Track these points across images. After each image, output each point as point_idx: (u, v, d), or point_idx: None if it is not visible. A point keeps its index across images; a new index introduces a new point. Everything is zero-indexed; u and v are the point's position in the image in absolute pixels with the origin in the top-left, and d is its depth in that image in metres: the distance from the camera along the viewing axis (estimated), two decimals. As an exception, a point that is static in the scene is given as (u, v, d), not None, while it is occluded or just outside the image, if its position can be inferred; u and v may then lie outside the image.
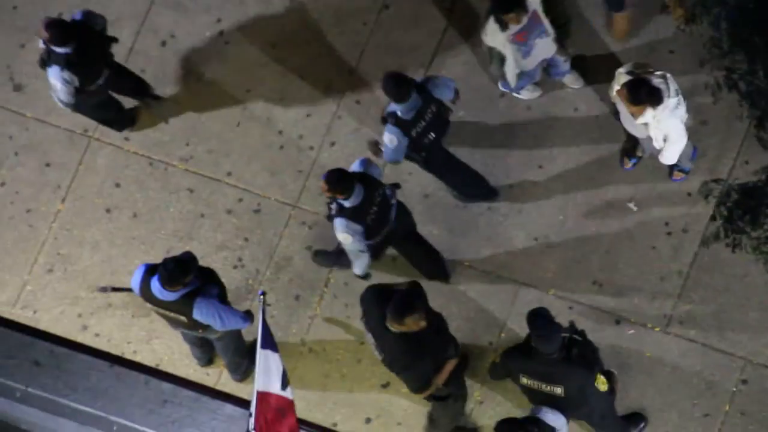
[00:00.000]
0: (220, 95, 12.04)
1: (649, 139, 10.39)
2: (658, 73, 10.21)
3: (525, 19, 10.69)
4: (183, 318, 9.90)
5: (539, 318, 9.64)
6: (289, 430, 9.87)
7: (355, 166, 10.29)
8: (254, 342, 9.78)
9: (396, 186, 10.66)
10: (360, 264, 10.63)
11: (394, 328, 9.53)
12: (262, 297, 9.69)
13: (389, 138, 10.45)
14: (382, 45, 11.89)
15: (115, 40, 10.86)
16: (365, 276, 10.79)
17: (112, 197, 11.59)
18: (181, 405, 11.01)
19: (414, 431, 11.24)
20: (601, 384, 9.80)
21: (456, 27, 12.07)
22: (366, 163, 10.45)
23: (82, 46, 10.49)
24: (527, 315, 9.67)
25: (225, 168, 11.60)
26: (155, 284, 9.65)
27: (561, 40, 11.18)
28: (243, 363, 10.65)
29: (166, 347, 11.33)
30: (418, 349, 9.76)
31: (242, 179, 11.59)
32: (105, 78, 10.78)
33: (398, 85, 10.32)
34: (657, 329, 11.18)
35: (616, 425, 10.70)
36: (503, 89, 11.65)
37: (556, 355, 9.57)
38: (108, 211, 11.53)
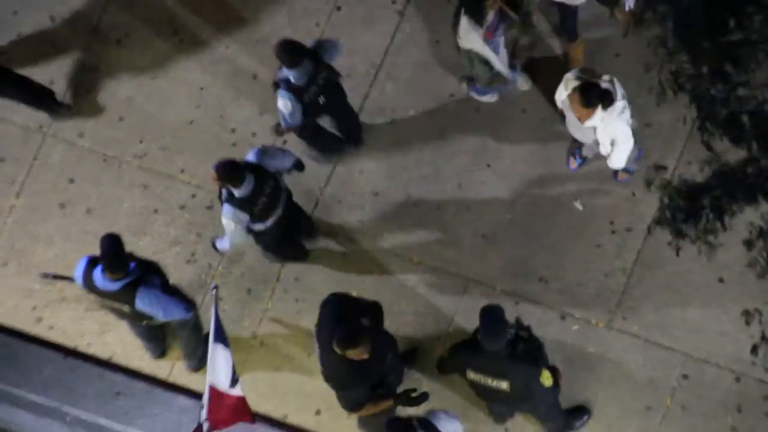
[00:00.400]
0: (173, 93, 12.22)
1: (596, 143, 10.58)
2: (605, 77, 10.35)
3: (493, 13, 10.87)
4: (126, 308, 10.00)
5: (488, 316, 9.76)
6: (242, 421, 10.01)
7: (249, 156, 10.55)
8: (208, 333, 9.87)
9: (299, 167, 10.96)
10: (229, 243, 10.87)
11: (337, 351, 9.72)
12: (214, 291, 9.69)
13: (283, 103, 10.77)
14: (335, 45, 11.98)
15: None
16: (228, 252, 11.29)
17: (67, 192, 11.74)
18: (134, 397, 11.18)
19: (362, 423, 11.41)
20: (546, 379, 9.91)
21: (406, 29, 12.26)
22: (260, 153, 10.71)
23: None
24: (480, 311, 9.83)
25: (178, 165, 11.81)
26: (98, 274, 9.81)
27: (515, 42, 11.36)
28: (198, 350, 10.74)
29: (119, 340, 11.43)
30: (358, 374, 9.88)
31: (195, 176, 11.75)
32: None
33: (291, 51, 10.65)
34: (601, 325, 11.35)
35: (560, 418, 10.89)
36: (474, 95, 11.88)
37: (502, 351, 9.71)
38: (62, 206, 11.72)
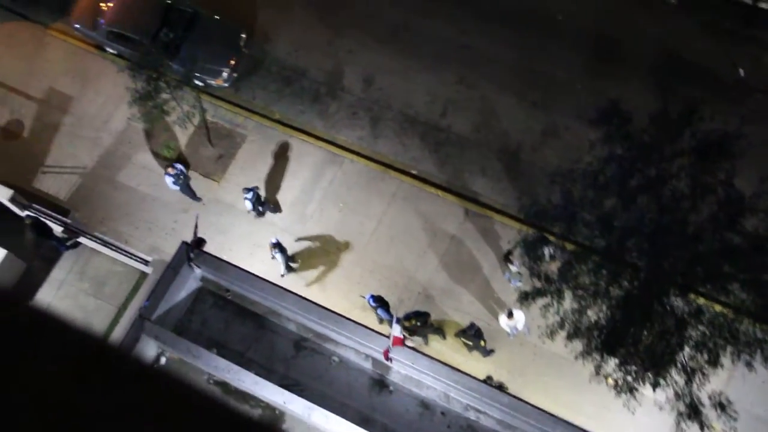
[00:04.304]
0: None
1: (516, 326, 24.29)
2: (515, 310, 24.00)
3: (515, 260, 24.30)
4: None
5: (473, 326, 24.38)
6: (401, 343, 21.26)
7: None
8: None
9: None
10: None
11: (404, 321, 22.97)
12: (397, 320, 21.97)
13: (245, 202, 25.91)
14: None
15: None
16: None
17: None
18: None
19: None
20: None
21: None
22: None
23: None
24: (470, 323, 24.49)
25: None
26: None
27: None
28: (390, 322, 22.38)
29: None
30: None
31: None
32: None
33: (247, 190, 25.47)
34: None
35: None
36: (512, 284, 25.25)
37: (466, 334, 24.41)
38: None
